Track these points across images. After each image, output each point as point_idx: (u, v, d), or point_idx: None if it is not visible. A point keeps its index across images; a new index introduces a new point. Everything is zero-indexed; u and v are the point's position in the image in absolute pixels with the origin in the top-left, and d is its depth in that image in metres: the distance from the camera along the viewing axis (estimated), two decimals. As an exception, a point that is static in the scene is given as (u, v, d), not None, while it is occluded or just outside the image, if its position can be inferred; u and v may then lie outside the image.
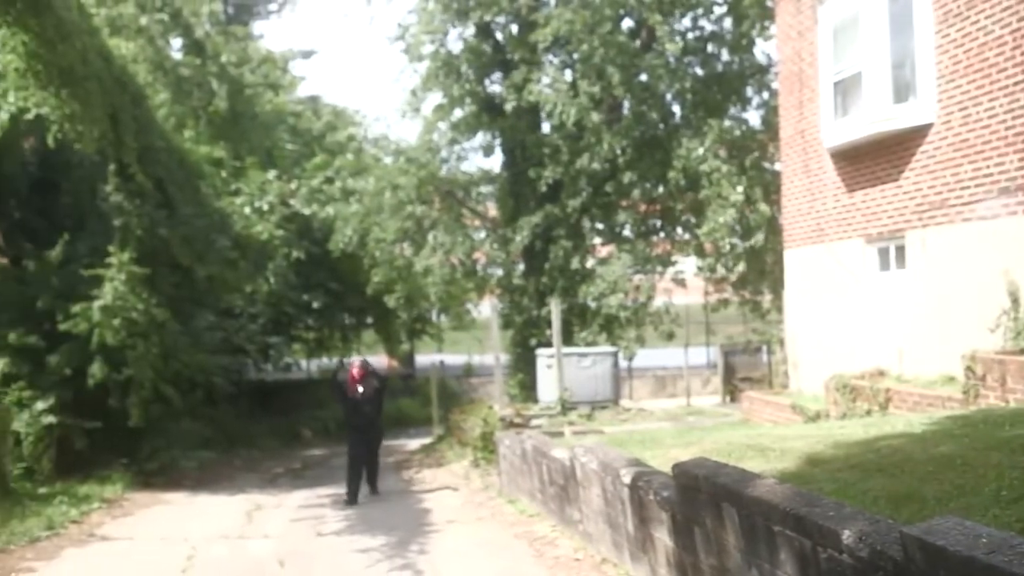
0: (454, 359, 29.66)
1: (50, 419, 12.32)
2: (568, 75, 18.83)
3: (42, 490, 11.68)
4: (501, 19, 20.11)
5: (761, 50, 19.92)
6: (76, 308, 12.34)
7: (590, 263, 19.63)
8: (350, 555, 8.59)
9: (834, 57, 11.86)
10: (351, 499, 11.86)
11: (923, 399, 9.38)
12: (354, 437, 12.38)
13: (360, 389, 12.25)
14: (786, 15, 13.21)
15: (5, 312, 13.31)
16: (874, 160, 11.15)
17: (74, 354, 12.64)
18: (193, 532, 9.78)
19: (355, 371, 12.47)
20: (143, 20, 18.06)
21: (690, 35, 20.04)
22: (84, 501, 11.38)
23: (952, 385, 9.25)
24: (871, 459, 5.85)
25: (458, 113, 20.12)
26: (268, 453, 19.62)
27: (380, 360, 32.69)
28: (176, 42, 21.52)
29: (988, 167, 9.32)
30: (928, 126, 10.16)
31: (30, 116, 11.46)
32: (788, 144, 13.30)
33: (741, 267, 17.93)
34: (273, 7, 34.47)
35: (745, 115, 20.16)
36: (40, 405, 12.33)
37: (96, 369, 12.43)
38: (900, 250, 10.94)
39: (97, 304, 12.26)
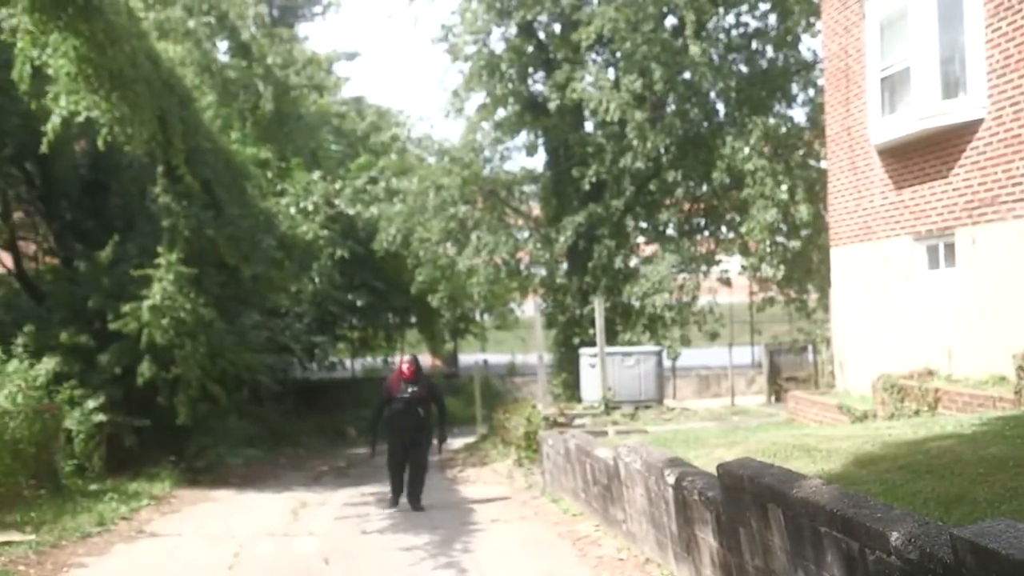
0: (497, 358, 29.70)
1: (100, 417, 12.51)
2: (611, 73, 18.77)
3: (93, 487, 11.87)
4: (544, 18, 20.11)
5: (807, 46, 19.74)
6: (125, 308, 12.53)
7: (634, 262, 19.55)
8: (394, 553, 8.63)
9: (881, 53, 11.71)
10: (393, 501, 11.26)
11: (973, 399, 9.23)
12: (392, 439, 11.11)
13: (409, 390, 10.86)
14: (832, 10, 13.06)
15: (57, 312, 13.56)
16: (923, 157, 10.99)
17: (124, 353, 12.84)
18: (240, 529, 9.89)
19: (404, 367, 11.12)
20: (190, 23, 18.28)
21: (734, 32, 19.92)
22: (133, 498, 11.55)
23: (1003, 385, 9.10)
24: (920, 460, 5.76)
25: (501, 113, 20.16)
26: (313, 451, 19.79)
27: (424, 359, 32.95)
28: (222, 45, 21.81)
29: (1041, 163, 9.15)
30: (978, 122, 9.99)
31: (80, 119, 11.65)
32: (834, 141, 13.15)
33: (784, 266, 17.76)
34: (318, 9, 34.73)
35: (790, 112, 20.00)
36: (91, 403, 12.53)
37: (145, 368, 12.62)
38: (949, 248, 10.77)
39: (146, 304, 12.44)
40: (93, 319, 13.27)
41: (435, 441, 11.35)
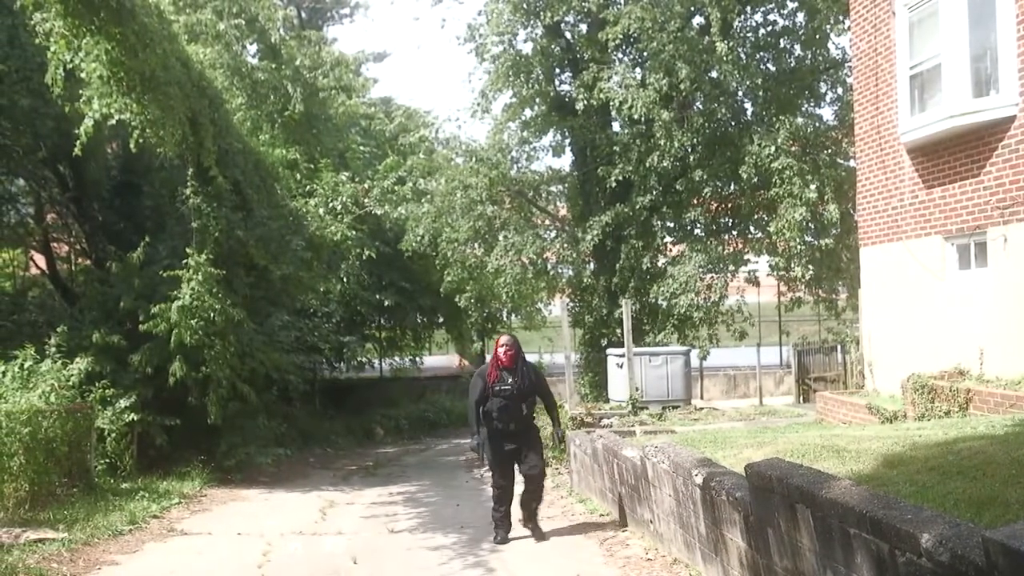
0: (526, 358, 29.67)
1: (132, 416, 12.61)
2: (638, 73, 18.75)
3: (124, 485, 11.97)
4: (570, 18, 20.12)
5: (835, 44, 19.61)
6: (155, 309, 12.65)
7: (661, 262, 19.51)
8: (422, 552, 8.67)
9: (911, 51, 11.62)
10: (500, 534, 8.85)
11: (1005, 400, 9.14)
12: (493, 446, 8.77)
13: (509, 381, 8.65)
14: (861, 8, 12.97)
15: (89, 312, 13.71)
16: (953, 155, 10.89)
17: (155, 353, 12.96)
18: (269, 528, 9.95)
19: (501, 351, 8.78)
20: (220, 26, 18.43)
21: (762, 31, 19.84)
22: (164, 497, 11.64)
23: (1036, 386, 9.01)
24: (951, 461, 5.72)
25: (528, 113, 20.20)
26: (341, 451, 19.87)
27: (451, 359, 33.04)
28: (252, 47, 21.97)
29: (1074, 161, 9.05)
30: (1010, 119, 9.90)
31: (113, 122, 11.77)
32: (863, 140, 13.06)
33: (811, 266, 17.66)
34: (345, 11, 34.93)
35: (819, 111, 19.90)
36: (122, 403, 12.63)
37: (176, 368, 12.72)
38: (981, 247, 10.67)
39: (175, 304, 12.55)
40: (125, 319, 13.40)
41: (547, 447, 9.56)
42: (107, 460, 12.45)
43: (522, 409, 8.72)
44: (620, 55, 19.81)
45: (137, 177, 16.21)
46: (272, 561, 8.45)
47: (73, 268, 17.26)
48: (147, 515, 10.55)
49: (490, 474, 9.22)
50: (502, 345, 8.83)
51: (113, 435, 12.50)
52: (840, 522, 4.29)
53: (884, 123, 12.35)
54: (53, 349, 12.79)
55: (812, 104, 19.77)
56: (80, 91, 11.70)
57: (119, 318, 13.39)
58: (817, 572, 4.60)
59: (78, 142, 11.52)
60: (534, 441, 8.90)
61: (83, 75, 11.13)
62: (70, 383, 12.09)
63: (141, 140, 12.23)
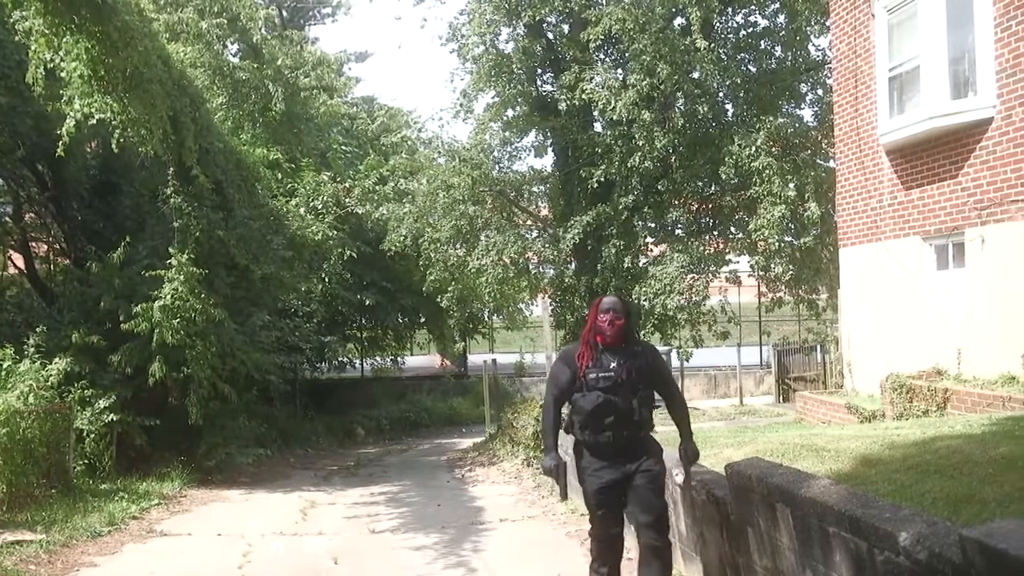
0: (506, 358, 29.74)
1: (111, 417, 12.56)
2: (619, 74, 18.79)
3: (103, 486, 11.91)
4: (552, 19, 20.14)
5: (815, 46, 19.74)
6: (137, 308, 12.59)
7: (642, 262, 19.55)
8: (404, 553, 8.66)
9: (890, 52, 11.71)
10: None
11: (982, 399, 9.22)
12: (590, 472, 5.63)
13: (612, 365, 5.50)
14: (841, 10, 13.05)
15: (68, 312, 13.62)
16: (932, 156, 10.98)
17: (135, 353, 12.89)
18: (250, 529, 9.91)
19: (605, 322, 5.55)
20: (202, 25, 18.37)
21: (743, 32, 19.92)
22: (144, 497, 11.58)
23: (1013, 385, 9.09)
24: (929, 460, 5.77)
25: (510, 113, 20.19)
26: (322, 451, 19.85)
27: (433, 359, 33.04)
28: (233, 47, 21.91)
29: (1050, 163, 9.14)
30: (988, 121, 9.98)
31: (93, 121, 11.69)
32: (843, 141, 13.14)
33: (791, 265, 17.74)
34: (327, 11, 34.85)
35: (799, 112, 20.00)
36: (102, 403, 12.57)
37: (156, 368, 12.66)
38: (959, 248, 10.76)
39: (157, 304, 12.49)
40: (104, 319, 13.31)
41: (676, 466, 6.06)
42: (86, 461, 12.38)
43: (633, 410, 5.48)
44: (602, 55, 19.84)
45: (117, 176, 16.12)
46: (253, 562, 8.43)
47: (52, 268, 17.12)
48: (126, 516, 10.49)
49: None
50: (607, 309, 5.56)
51: (92, 436, 12.44)
52: (819, 521, 4.32)
53: (863, 124, 12.43)
54: (32, 349, 12.71)
55: (792, 105, 19.86)
56: (60, 90, 11.61)
57: (98, 318, 13.31)
58: (797, 571, 4.63)
59: (60, 143, 11.42)
60: (653, 461, 5.60)
61: (63, 74, 11.04)
62: (49, 383, 12.02)
63: (122, 139, 12.15)
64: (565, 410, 5.75)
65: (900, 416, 10.24)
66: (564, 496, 6.16)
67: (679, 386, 5.91)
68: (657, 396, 5.67)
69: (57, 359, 12.60)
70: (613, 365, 5.50)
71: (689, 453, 5.78)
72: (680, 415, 5.78)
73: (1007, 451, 5.68)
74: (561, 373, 5.67)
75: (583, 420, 5.54)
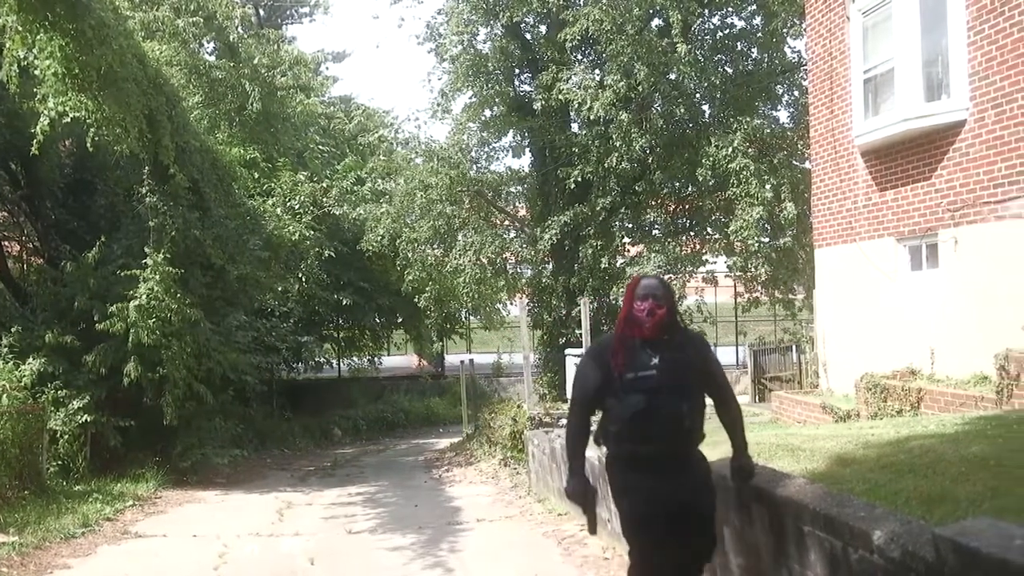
0: (484, 358, 29.73)
1: (85, 417, 12.46)
2: (597, 74, 18.82)
3: (77, 488, 11.82)
4: (530, 19, 20.15)
5: (791, 48, 19.85)
6: (113, 308, 12.49)
7: (620, 263, 19.60)
8: (381, 553, 8.65)
9: (865, 55, 11.79)
10: None
11: (955, 399, 9.30)
12: (630, 495, 4.59)
13: (653, 362, 4.43)
14: (816, 12, 13.12)
15: (42, 312, 13.50)
16: (906, 158, 11.06)
17: (109, 353, 12.79)
18: (225, 530, 9.86)
19: (641, 306, 4.49)
20: (178, 23, 18.25)
21: (720, 33, 20.00)
22: (118, 499, 11.50)
23: (985, 385, 9.17)
24: (902, 459, 5.81)
25: (488, 113, 20.17)
26: (299, 451, 19.79)
27: (410, 359, 32.97)
28: (209, 45, 21.78)
29: (1022, 164, 9.23)
30: (961, 123, 10.07)
31: (67, 119, 11.58)
32: (818, 142, 13.22)
33: (768, 266, 17.83)
34: (304, 10, 34.71)
35: (775, 113, 20.11)
36: (75, 404, 12.48)
37: (131, 368, 12.57)
38: (932, 249, 10.85)
39: (133, 304, 12.40)
40: (78, 319, 13.21)
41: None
42: (59, 462, 12.29)
43: (682, 416, 4.43)
44: (579, 56, 19.86)
45: (91, 175, 16.00)
46: (228, 563, 8.38)
47: (25, 267, 16.97)
48: (100, 517, 10.42)
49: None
50: (644, 295, 4.49)
51: (66, 436, 12.34)
52: (795, 520, 4.35)
53: (838, 126, 12.50)
54: (5, 349, 12.62)
55: (769, 106, 19.97)
56: (35, 88, 11.50)
57: (72, 318, 13.20)
58: (772, 570, 4.65)
59: (35, 141, 11.30)
60: (701, 487, 4.58)
61: (38, 72, 10.94)
62: (22, 384, 11.93)
63: (97, 138, 12.04)
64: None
65: (874, 416, 10.31)
66: (593, 529, 4.94)
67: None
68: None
69: (30, 359, 12.50)
70: (655, 362, 4.42)
71: (743, 470, 4.78)
72: (733, 421, 4.76)
73: (979, 450, 5.73)
74: (590, 373, 4.59)
75: (620, 429, 4.46)
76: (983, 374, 9.34)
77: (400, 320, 27.75)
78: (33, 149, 11.49)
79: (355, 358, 29.35)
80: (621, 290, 18.12)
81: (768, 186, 16.70)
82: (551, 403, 16.71)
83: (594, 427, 4.70)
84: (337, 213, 21.88)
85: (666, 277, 18.22)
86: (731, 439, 4.76)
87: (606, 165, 18.08)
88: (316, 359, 26.37)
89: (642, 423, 4.37)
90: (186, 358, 13.03)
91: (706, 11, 19.29)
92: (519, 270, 21.18)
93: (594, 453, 8.23)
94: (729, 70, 19.63)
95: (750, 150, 17.41)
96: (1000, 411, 8.29)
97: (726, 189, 17.69)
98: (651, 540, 4.48)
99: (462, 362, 23.05)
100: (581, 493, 4.63)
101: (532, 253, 19.88)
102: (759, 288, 19.49)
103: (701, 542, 4.55)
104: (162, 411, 12.82)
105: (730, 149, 17.02)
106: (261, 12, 31.58)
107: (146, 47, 15.14)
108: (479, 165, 20.86)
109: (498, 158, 21.37)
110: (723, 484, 4.95)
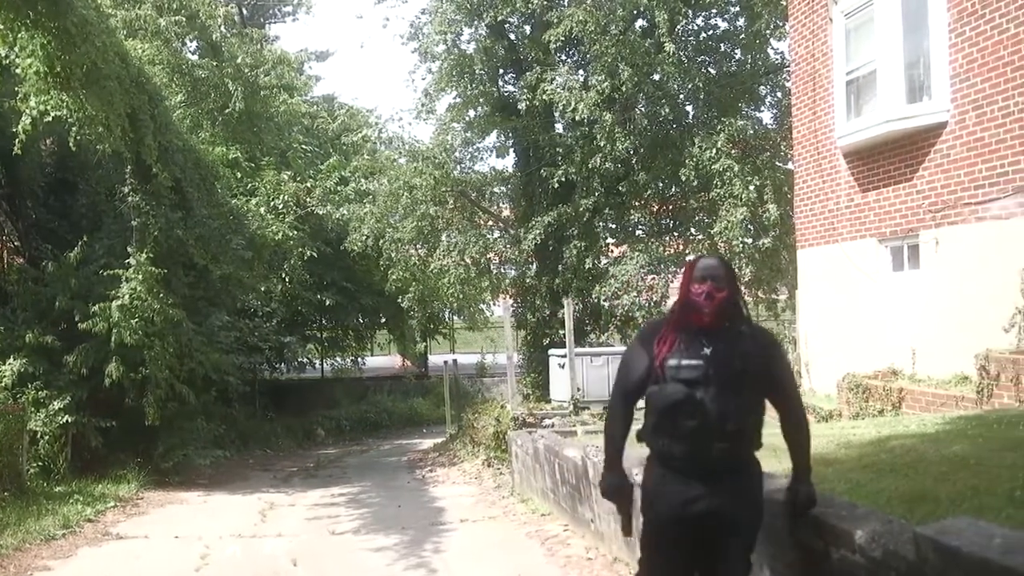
0: (467, 359, 29.72)
1: (66, 418, 12.38)
2: (581, 75, 18.84)
3: (58, 489, 11.74)
4: (514, 19, 20.14)
5: (774, 49, 19.93)
6: (95, 308, 12.42)
7: (603, 263, 19.63)
8: (364, 554, 8.62)
9: (847, 56, 11.85)
10: None
11: (936, 399, 9.36)
12: (657, 503, 3.94)
13: (707, 349, 3.81)
14: (799, 14, 13.19)
15: (23, 312, 13.40)
16: (887, 159, 11.12)
17: (90, 354, 12.71)
18: (207, 531, 9.82)
19: (698, 289, 3.88)
20: (160, 22, 18.15)
21: (704, 34, 20.06)
22: (99, 500, 11.43)
23: (966, 385, 9.22)
24: (884, 459, 5.84)
25: (472, 113, 20.17)
26: (282, 452, 19.72)
27: (393, 359, 32.93)
28: (192, 44, 21.66)
29: (1003, 166, 9.30)
30: (942, 125, 10.14)
31: (49, 118, 11.50)
32: (801, 144, 13.28)
33: (752, 266, 17.89)
34: (288, 9, 34.60)
35: (758, 114, 20.17)
36: (56, 404, 12.39)
37: (113, 368, 12.49)
38: (914, 249, 10.91)
39: (116, 304, 12.33)
40: (59, 319, 13.11)
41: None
42: (40, 463, 12.19)
43: (728, 414, 3.78)
44: (563, 57, 19.87)
45: (73, 175, 15.89)
46: (210, 564, 8.34)
47: (5, 267, 16.84)
48: (81, 519, 10.35)
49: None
50: (703, 276, 3.93)
51: (46, 437, 12.25)
52: (776, 519, 4.36)
53: (821, 127, 12.56)
54: (-15, 350, 12.50)
55: (752, 107, 20.03)
56: (16, 87, 11.41)
57: (53, 318, 13.11)
58: (755, 570, 4.66)
59: (17, 141, 11.20)
60: (743, 501, 3.91)
61: (19, 70, 10.85)
62: (2, 384, 11.85)
63: (79, 137, 11.96)
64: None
65: (856, 415, 10.36)
66: (628, 531, 4.17)
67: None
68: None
69: (11, 360, 12.40)
70: (706, 351, 3.81)
71: (801, 498, 4.01)
72: (797, 436, 4.07)
73: (960, 450, 5.77)
74: (636, 359, 4.01)
75: (655, 421, 3.89)
76: (964, 374, 9.40)
77: (383, 320, 27.71)
78: (15, 149, 11.39)
79: (338, 358, 29.28)
80: (604, 290, 18.17)
81: (751, 187, 16.75)
82: (535, 403, 16.72)
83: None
84: (320, 213, 21.81)
85: (649, 277, 18.41)
86: (792, 458, 4.08)
87: (590, 165, 18.10)
88: (299, 359, 26.31)
89: (678, 415, 3.79)
90: (168, 358, 12.95)
91: (691, 12, 19.32)
92: (503, 270, 21.19)
93: (576, 453, 8.27)
94: (713, 71, 19.69)
95: (733, 151, 17.46)
96: (980, 411, 8.34)
97: (710, 190, 17.74)
98: (664, 559, 3.91)
99: (445, 362, 23.03)
100: (616, 489, 4.09)
101: (516, 253, 19.89)
102: (742, 288, 19.53)
103: (729, 569, 3.85)
104: (144, 412, 12.74)
105: (714, 150, 17.07)
106: (244, 11, 31.44)
107: (128, 46, 15.03)
108: (463, 165, 20.86)
109: (482, 158, 21.41)
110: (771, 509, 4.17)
